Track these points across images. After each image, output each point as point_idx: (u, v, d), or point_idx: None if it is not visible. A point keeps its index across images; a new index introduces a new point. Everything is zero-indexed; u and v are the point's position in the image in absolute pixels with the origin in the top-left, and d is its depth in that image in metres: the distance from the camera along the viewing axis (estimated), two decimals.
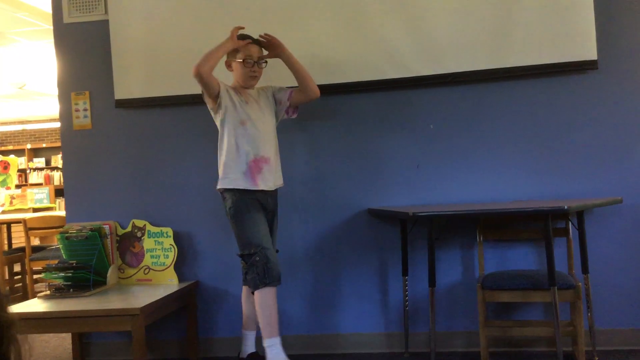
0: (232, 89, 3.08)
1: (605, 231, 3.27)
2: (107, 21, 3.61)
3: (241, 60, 3.04)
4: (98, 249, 3.45)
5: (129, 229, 3.60)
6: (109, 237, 3.54)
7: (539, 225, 3.12)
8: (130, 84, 3.59)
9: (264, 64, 3.09)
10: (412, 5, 3.35)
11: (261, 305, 2.91)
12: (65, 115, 3.72)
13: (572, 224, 3.18)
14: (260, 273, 2.88)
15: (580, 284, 2.96)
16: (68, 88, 3.72)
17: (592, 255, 3.17)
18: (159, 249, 3.55)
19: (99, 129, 3.69)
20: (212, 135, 3.57)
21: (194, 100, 3.53)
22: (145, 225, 3.58)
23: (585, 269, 3.12)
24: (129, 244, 3.59)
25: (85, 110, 3.70)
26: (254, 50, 3.06)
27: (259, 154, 3.01)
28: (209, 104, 3.07)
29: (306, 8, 3.41)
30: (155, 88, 3.57)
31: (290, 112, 3.23)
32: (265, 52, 3.11)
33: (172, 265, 3.52)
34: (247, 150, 2.99)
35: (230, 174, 3.01)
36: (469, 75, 3.31)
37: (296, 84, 3.16)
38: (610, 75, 3.26)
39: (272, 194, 3.11)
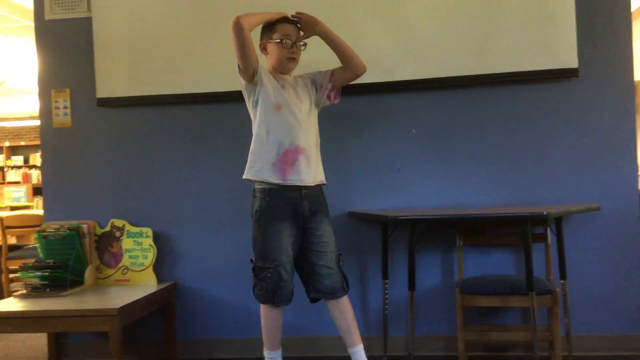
0: (268, 72, 2.81)
1: (583, 238, 3.30)
2: (90, 18, 3.58)
3: (278, 41, 2.75)
4: (76, 248, 3.41)
5: (107, 228, 3.56)
6: (87, 236, 3.51)
7: (518, 230, 3.13)
8: (112, 82, 3.56)
9: (302, 46, 2.82)
10: (397, 10, 3.36)
11: (265, 320, 2.77)
12: (45, 112, 3.68)
13: (551, 230, 3.21)
14: (269, 290, 2.67)
15: (557, 289, 2.99)
16: (48, 85, 3.69)
17: (569, 262, 3.20)
18: (137, 250, 3.52)
19: (79, 127, 3.66)
20: (193, 136, 3.57)
21: (177, 100, 3.53)
22: (124, 225, 3.54)
23: (563, 275, 3.15)
24: (107, 243, 3.56)
25: (65, 108, 3.67)
26: (291, 29, 2.77)
27: (293, 144, 2.68)
28: (245, 79, 2.74)
29: (291, 11, 3.40)
30: (138, 87, 3.54)
31: (333, 96, 2.92)
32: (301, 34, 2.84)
33: (151, 266, 3.50)
34: (280, 139, 2.68)
35: (257, 164, 2.73)
36: (451, 81, 3.33)
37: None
38: (590, 83, 3.29)
39: (311, 195, 2.75)
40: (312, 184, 2.75)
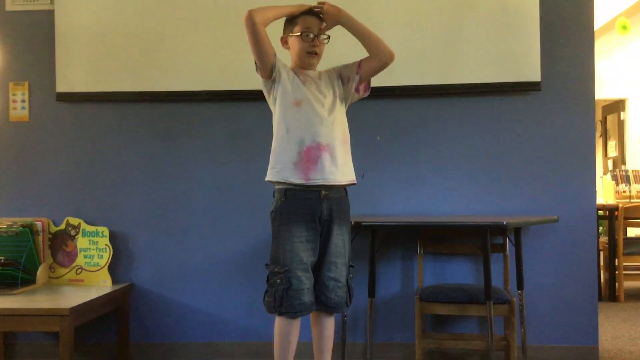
0: (289, 68, 2.63)
1: (540, 249, 3.34)
2: (52, 11, 3.50)
3: (298, 34, 2.55)
4: (28, 246, 3.32)
5: (62, 226, 3.47)
6: (40, 234, 3.41)
7: (477, 240, 3.17)
8: (73, 77, 3.49)
9: (325, 39, 2.62)
10: (365, 18, 3.34)
11: (276, 332, 2.52)
12: (2, 106, 3.58)
13: (510, 240, 3.24)
14: (277, 299, 2.43)
15: (515, 299, 3.02)
16: (6, 78, 3.59)
17: (527, 272, 3.24)
18: (93, 249, 3.44)
19: (37, 121, 3.57)
20: (154, 134, 3.51)
21: (140, 98, 3.48)
22: (80, 223, 3.46)
23: (520, 285, 3.18)
24: (61, 242, 3.47)
25: (23, 101, 3.57)
26: (313, 22, 2.57)
27: (315, 140, 2.47)
28: (263, 76, 2.56)
29: None
30: (99, 83, 3.48)
31: (362, 89, 2.67)
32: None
33: (106, 266, 3.42)
34: (301, 136, 2.48)
35: (278, 164, 2.51)
36: (417, 89, 3.36)
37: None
38: (552, 97, 3.35)
39: (332, 197, 2.52)
40: (338, 183, 2.54)
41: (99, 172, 3.53)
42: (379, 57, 2.60)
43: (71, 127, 3.55)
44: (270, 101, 2.62)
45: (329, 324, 2.62)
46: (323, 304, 2.54)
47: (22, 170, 3.56)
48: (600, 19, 6.62)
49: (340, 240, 2.54)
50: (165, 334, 3.48)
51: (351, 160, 2.62)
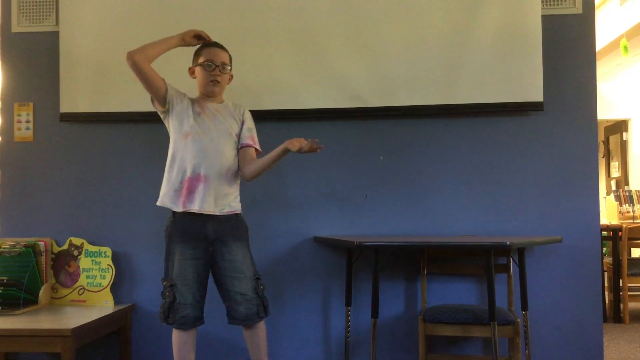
0: (190, 98, 2.82)
1: (544, 269, 3.33)
2: (57, 32, 3.53)
3: (201, 63, 2.79)
4: (31, 266, 3.31)
5: (65, 246, 3.47)
6: (43, 254, 3.41)
7: (481, 260, 3.15)
8: (77, 97, 3.51)
9: (227, 70, 2.83)
10: (368, 38, 3.39)
11: (174, 345, 2.75)
12: (7, 126, 3.60)
13: (513, 260, 3.23)
14: (165, 310, 2.68)
15: (519, 320, 3.00)
16: (11, 98, 3.61)
17: (531, 293, 3.21)
18: (95, 269, 3.43)
19: (41, 142, 3.58)
20: (157, 154, 3.50)
21: (142, 118, 3.48)
22: (82, 243, 3.46)
23: (524, 306, 3.16)
24: (64, 262, 3.46)
25: (27, 122, 3.59)
26: (216, 53, 2.79)
27: (196, 172, 2.69)
28: (157, 109, 2.81)
29: (264, 34, 3.41)
30: (103, 103, 3.49)
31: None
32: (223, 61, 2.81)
33: (109, 287, 3.41)
34: (184, 167, 2.71)
35: (163, 190, 2.77)
36: (419, 110, 3.36)
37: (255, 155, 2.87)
38: (554, 117, 3.36)
39: (217, 221, 2.73)
40: (215, 214, 2.72)
41: (102, 192, 3.54)
42: (243, 170, 2.81)
43: (75, 147, 3.56)
44: (168, 128, 2.84)
45: (259, 331, 2.80)
46: (234, 318, 2.76)
47: (26, 190, 3.57)
48: (602, 40, 6.66)
49: (238, 256, 2.74)
50: (168, 356, 3.45)
51: (236, 193, 2.83)
